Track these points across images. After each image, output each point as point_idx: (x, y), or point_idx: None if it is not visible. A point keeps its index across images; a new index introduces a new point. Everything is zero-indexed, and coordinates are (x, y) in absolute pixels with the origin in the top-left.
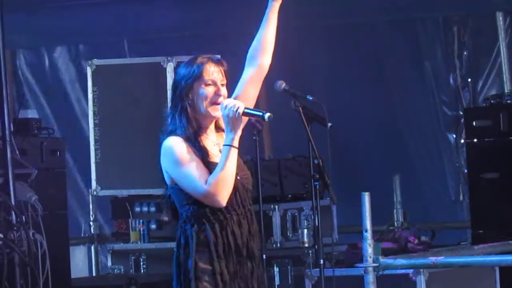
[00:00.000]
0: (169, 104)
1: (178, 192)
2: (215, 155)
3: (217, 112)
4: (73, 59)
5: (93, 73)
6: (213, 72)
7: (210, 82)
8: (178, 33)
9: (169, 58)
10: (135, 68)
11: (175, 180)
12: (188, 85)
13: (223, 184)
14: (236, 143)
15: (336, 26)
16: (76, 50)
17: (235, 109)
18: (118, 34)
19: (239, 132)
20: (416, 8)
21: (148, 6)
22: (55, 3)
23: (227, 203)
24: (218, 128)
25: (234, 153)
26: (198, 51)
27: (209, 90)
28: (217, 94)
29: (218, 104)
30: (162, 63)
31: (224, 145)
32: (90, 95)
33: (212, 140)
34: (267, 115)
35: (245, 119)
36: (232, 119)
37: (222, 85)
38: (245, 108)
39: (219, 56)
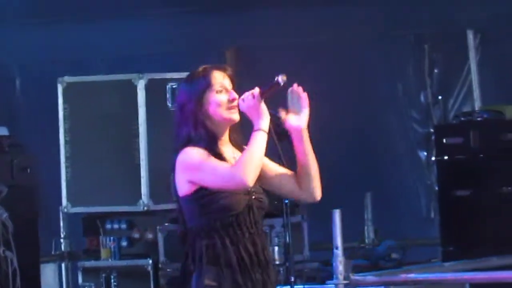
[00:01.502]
0: (175, 122)
1: (192, 204)
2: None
3: (235, 115)
4: (45, 76)
5: (64, 90)
6: (222, 78)
7: (220, 88)
8: (150, 50)
9: (140, 75)
10: (106, 85)
11: (201, 183)
12: (199, 95)
13: (250, 163)
14: (264, 126)
15: (307, 43)
16: (48, 67)
17: (251, 96)
18: (89, 51)
19: (265, 116)
20: (387, 25)
21: (119, 23)
22: (25, 20)
23: (240, 220)
24: (232, 140)
25: (262, 135)
26: (170, 68)
27: (222, 98)
28: (231, 99)
29: (234, 108)
30: (133, 80)
31: (254, 130)
32: (60, 112)
33: (227, 152)
34: (280, 78)
35: None
36: (254, 107)
37: (232, 89)
38: (259, 89)
39: (222, 64)
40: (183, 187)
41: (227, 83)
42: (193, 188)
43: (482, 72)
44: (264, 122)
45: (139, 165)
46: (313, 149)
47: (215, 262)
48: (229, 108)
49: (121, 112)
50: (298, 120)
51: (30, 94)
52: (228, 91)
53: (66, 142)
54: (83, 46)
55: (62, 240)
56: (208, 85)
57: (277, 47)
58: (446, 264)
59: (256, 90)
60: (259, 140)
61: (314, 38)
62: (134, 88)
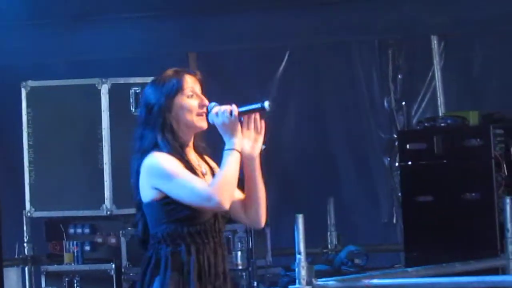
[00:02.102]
0: (141, 123)
1: (158, 209)
2: (199, 174)
3: (203, 123)
4: (8, 79)
5: (27, 94)
6: (192, 83)
7: (191, 93)
8: (113, 55)
9: (103, 79)
10: (70, 90)
11: (168, 193)
12: (169, 99)
13: (226, 185)
14: (238, 145)
15: (271, 48)
16: (10, 71)
17: (228, 113)
18: (53, 55)
19: (240, 135)
20: (351, 31)
21: (82, 27)
22: None
23: (207, 228)
24: (196, 147)
25: (236, 156)
26: (133, 72)
27: (193, 102)
28: (201, 104)
29: (203, 114)
30: (96, 85)
31: (226, 149)
32: (24, 117)
33: (192, 160)
34: (266, 103)
35: None
36: (230, 125)
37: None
38: (239, 108)
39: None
40: (148, 192)
41: (198, 88)
42: (159, 195)
43: (446, 78)
44: (238, 141)
45: (102, 169)
46: (276, 155)
47: (179, 269)
48: (199, 114)
49: (84, 116)
50: (251, 147)
51: None
52: (198, 96)
53: (29, 146)
54: (46, 50)
55: (25, 244)
56: (179, 89)
57: (238, 53)
58: (409, 269)
59: (235, 109)
60: (234, 161)
61: (276, 43)
62: (98, 92)
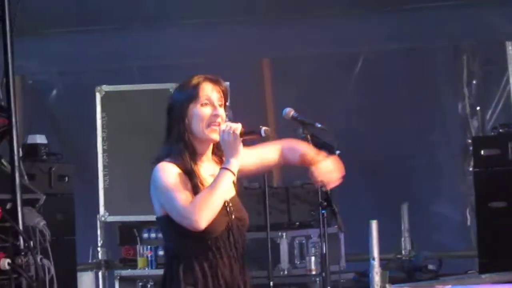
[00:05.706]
0: (165, 130)
1: (167, 224)
2: (203, 187)
3: (215, 135)
4: (82, 84)
5: (102, 98)
6: (210, 91)
7: (206, 101)
8: (187, 59)
9: (176, 84)
10: (144, 94)
11: (164, 207)
12: (183, 106)
13: (206, 205)
14: (233, 167)
15: (346, 54)
16: (86, 76)
17: (231, 132)
18: (127, 59)
19: (239, 157)
20: (425, 37)
21: (156, 32)
22: (65, 29)
23: (219, 243)
24: (215, 157)
25: (228, 176)
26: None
27: (205, 111)
28: (214, 114)
29: (216, 125)
30: (170, 89)
31: (222, 167)
32: (99, 121)
33: (206, 170)
34: (263, 129)
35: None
36: (230, 143)
37: (220, 105)
38: (242, 129)
39: (216, 76)
40: (158, 207)
41: (215, 97)
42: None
43: None
44: (235, 162)
45: None
46: (350, 160)
47: (193, 285)
48: (210, 124)
49: (158, 121)
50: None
51: (67, 102)
52: (214, 106)
53: (103, 150)
54: (120, 55)
55: (99, 249)
56: (194, 97)
57: (312, 59)
58: (483, 275)
59: (238, 128)
60: (225, 181)
61: (350, 49)
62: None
